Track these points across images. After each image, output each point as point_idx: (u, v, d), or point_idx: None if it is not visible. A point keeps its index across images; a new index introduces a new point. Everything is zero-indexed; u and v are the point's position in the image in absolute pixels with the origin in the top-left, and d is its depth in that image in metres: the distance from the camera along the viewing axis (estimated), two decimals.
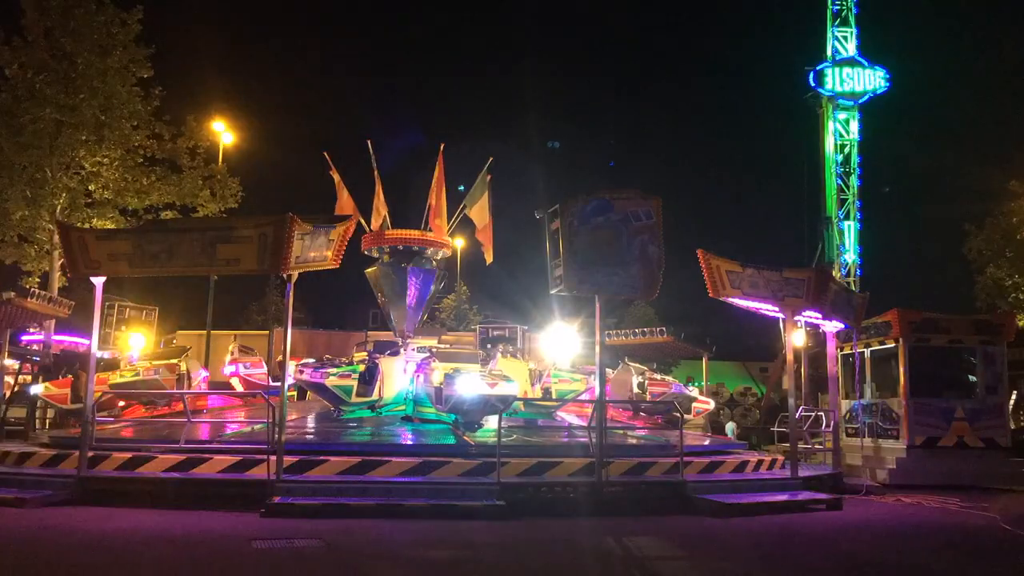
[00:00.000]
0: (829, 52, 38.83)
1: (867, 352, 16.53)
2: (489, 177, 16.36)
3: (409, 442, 12.47)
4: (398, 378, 14.29)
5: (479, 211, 16.35)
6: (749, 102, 63.79)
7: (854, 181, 38.14)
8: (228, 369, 16.34)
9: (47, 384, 15.19)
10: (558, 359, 17.61)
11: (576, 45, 78.66)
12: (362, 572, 7.43)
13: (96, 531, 8.68)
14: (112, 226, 18.74)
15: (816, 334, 17.69)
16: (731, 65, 72.54)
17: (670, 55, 77.41)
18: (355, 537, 8.64)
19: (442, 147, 16.22)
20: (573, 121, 71.49)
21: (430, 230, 15.70)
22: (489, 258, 16.89)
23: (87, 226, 17.79)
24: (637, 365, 16.59)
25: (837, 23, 39.06)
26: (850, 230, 37.86)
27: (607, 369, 14.20)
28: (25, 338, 23.01)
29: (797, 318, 13.53)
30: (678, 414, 12.09)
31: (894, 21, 50.19)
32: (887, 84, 38.32)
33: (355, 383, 13.37)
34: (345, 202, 15.78)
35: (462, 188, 17.94)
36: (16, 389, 17.68)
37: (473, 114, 71.84)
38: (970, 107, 42.80)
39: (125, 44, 19.43)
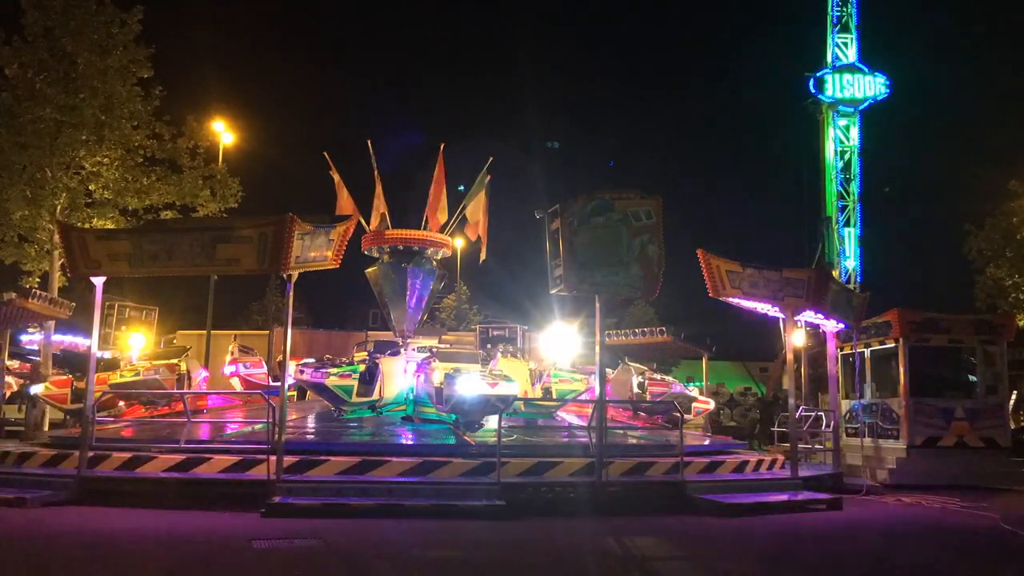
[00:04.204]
0: (829, 58, 38.69)
1: (867, 352, 16.52)
2: (488, 177, 16.38)
3: (409, 442, 12.47)
4: (398, 378, 14.28)
5: (474, 209, 16.36)
6: (749, 107, 63.85)
7: (854, 187, 38.00)
8: (228, 369, 16.34)
9: (47, 384, 15.21)
10: (558, 359, 17.61)
11: (576, 45, 78.80)
12: (362, 572, 7.42)
13: (96, 531, 8.68)
14: (112, 226, 18.71)
15: (816, 334, 17.68)
16: (732, 70, 72.54)
17: (671, 58, 77.50)
18: (355, 537, 8.63)
19: (442, 147, 16.27)
20: (573, 121, 71.53)
21: (432, 229, 15.72)
22: (483, 256, 16.92)
23: (87, 226, 17.76)
24: (637, 365, 16.59)
25: (838, 29, 38.93)
26: (850, 236, 37.75)
27: (607, 369, 14.20)
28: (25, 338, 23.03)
29: (797, 318, 13.53)
30: (678, 414, 12.10)
31: (894, 27, 50.24)
32: (887, 90, 38.15)
33: (355, 383, 13.36)
34: (345, 202, 15.77)
35: (462, 188, 17.97)
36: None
37: (473, 114, 71.91)
38: (970, 108, 42.74)
39: (125, 44, 19.41)
